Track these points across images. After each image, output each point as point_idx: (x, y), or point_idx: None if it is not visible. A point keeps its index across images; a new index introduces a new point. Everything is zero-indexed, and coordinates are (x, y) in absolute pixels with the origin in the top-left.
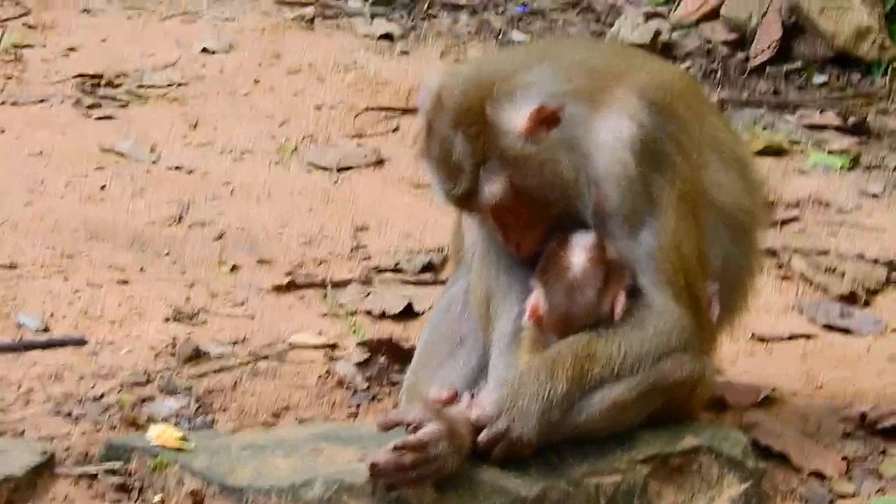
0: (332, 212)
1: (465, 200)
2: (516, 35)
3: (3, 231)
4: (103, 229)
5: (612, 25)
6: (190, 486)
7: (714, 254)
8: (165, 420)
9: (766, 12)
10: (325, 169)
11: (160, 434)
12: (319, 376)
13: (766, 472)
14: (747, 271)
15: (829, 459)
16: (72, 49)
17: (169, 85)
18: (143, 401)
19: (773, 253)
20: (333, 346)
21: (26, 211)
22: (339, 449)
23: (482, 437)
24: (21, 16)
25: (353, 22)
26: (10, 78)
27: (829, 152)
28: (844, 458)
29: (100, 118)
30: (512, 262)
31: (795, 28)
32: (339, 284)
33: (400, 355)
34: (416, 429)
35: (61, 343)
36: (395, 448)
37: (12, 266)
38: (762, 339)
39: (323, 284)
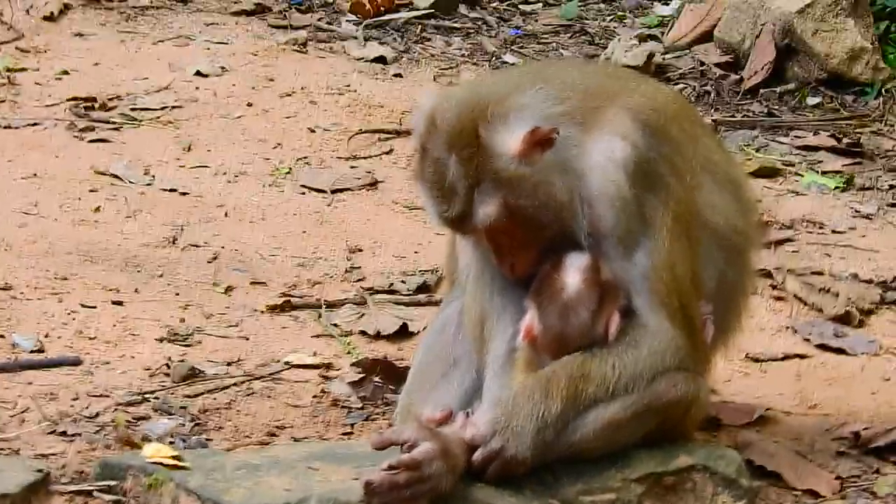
0: (326, 233)
1: (460, 222)
2: (509, 58)
3: None
4: (97, 251)
5: (605, 48)
6: None
7: (708, 274)
8: (160, 439)
9: (759, 34)
10: (318, 191)
11: (155, 453)
12: (314, 396)
13: (760, 491)
14: (741, 292)
15: (823, 478)
16: (65, 72)
17: (162, 108)
18: (138, 420)
19: (767, 273)
20: (328, 367)
21: (20, 233)
22: (333, 468)
23: (477, 456)
24: (14, 40)
25: (347, 45)
26: (3, 101)
27: (823, 173)
28: (838, 478)
29: (93, 141)
30: (506, 284)
31: (789, 50)
32: (334, 305)
33: (394, 375)
34: (410, 448)
35: (57, 363)
36: (390, 467)
37: (7, 287)
38: (756, 359)
39: (317, 305)
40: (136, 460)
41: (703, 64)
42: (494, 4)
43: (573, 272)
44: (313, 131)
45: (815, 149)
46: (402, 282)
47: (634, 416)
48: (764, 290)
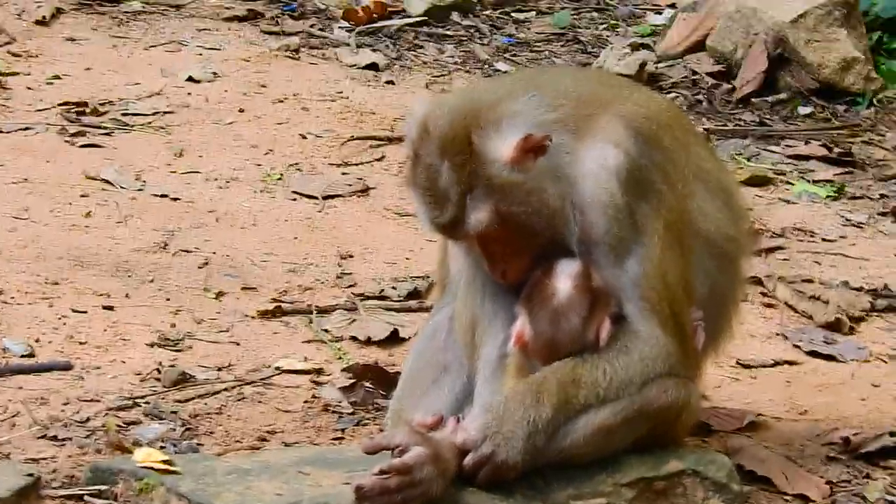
0: (317, 239)
1: (452, 228)
2: (502, 66)
3: None
4: (88, 256)
5: (598, 56)
6: None
7: (699, 281)
8: (151, 444)
9: (751, 44)
10: (310, 197)
11: (146, 457)
12: (305, 401)
13: (751, 496)
14: (732, 299)
15: (813, 483)
16: (57, 77)
17: (154, 113)
18: (129, 425)
19: (758, 281)
20: (319, 372)
21: (11, 238)
22: (324, 472)
23: (467, 460)
24: (6, 44)
25: (339, 52)
26: None
27: (814, 182)
28: (828, 482)
29: (84, 146)
30: (497, 290)
31: (781, 59)
32: (325, 311)
33: (385, 380)
34: (401, 452)
35: (47, 368)
36: (381, 471)
37: None
38: (747, 366)
39: (308, 311)
40: (126, 465)
41: (695, 73)
42: (487, 12)
43: (564, 278)
44: (305, 138)
45: (807, 158)
46: (393, 288)
47: (625, 421)
48: (755, 297)
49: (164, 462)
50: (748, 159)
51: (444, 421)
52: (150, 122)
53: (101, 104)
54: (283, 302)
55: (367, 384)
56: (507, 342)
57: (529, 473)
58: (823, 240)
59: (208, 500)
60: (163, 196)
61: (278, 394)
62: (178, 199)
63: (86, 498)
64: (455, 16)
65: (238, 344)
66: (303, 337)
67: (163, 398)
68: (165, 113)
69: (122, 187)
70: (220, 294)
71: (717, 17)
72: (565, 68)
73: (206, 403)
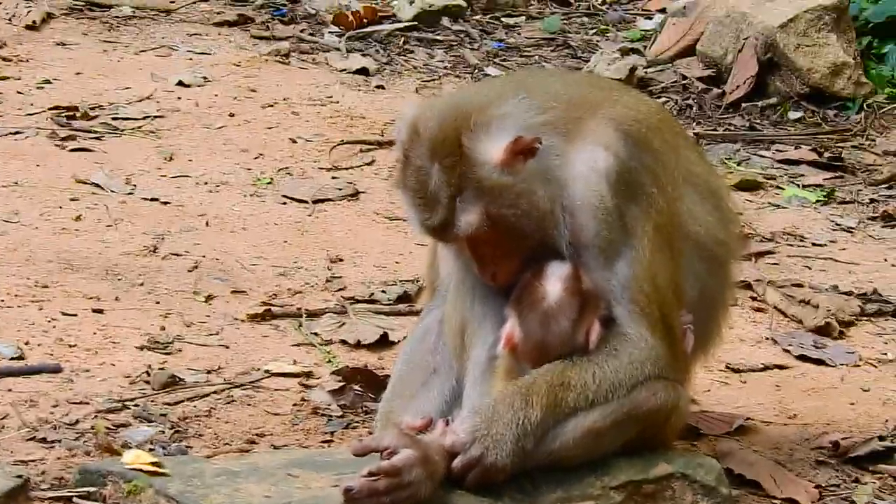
0: (307, 243)
1: (441, 231)
2: (492, 70)
3: None
4: (78, 259)
5: (588, 61)
6: None
7: (688, 284)
8: (140, 446)
9: (741, 48)
10: (300, 201)
11: (135, 459)
12: (294, 404)
13: (740, 500)
14: (721, 302)
15: (802, 487)
16: (47, 81)
17: (144, 118)
18: (118, 427)
19: (747, 285)
20: (308, 375)
21: (1, 241)
22: (313, 475)
23: (456, 463)
24: None
25: (329, 56)
26: None
27: (804, 187)
28: (817, 487)
29: (75, 150)
30: (487, 292)
31: (771, 64)
32: (314, 314)
33: (374, 383)
34: (390, 455)
35: (37, 370)
36: (370, 473)
37: None
38: (736, 370)
39: (298, 314)
40: (115, 467)
41: (685, 78)
42: (477, 17)
43: (554, 281)
44: (295, 142)
45: (797, 162)
46: (383, 291)
47: (614, 424)
48: (744, 301)
49: (153, 464)
50: (738, 164)
51: (434, 423)
52: (140, 127)
53: (91, 108)
54: (272, 305)
55: (357, 387)
56: (496, 345)
57: (518, 476)
58: (813, 244)
59: (197, 502)
60: (153, 200)
61: (267, 397)
62: (168, 202)
63: (74, 500)
64: (445, 21)
65: (227, 347)
66: (292, 340)
67: (152, 401)
68: (155, 117)
69: (111, 191)
70: (209, 297)
71: (706, 21)
72: (555, 71)
73: (195, 406)
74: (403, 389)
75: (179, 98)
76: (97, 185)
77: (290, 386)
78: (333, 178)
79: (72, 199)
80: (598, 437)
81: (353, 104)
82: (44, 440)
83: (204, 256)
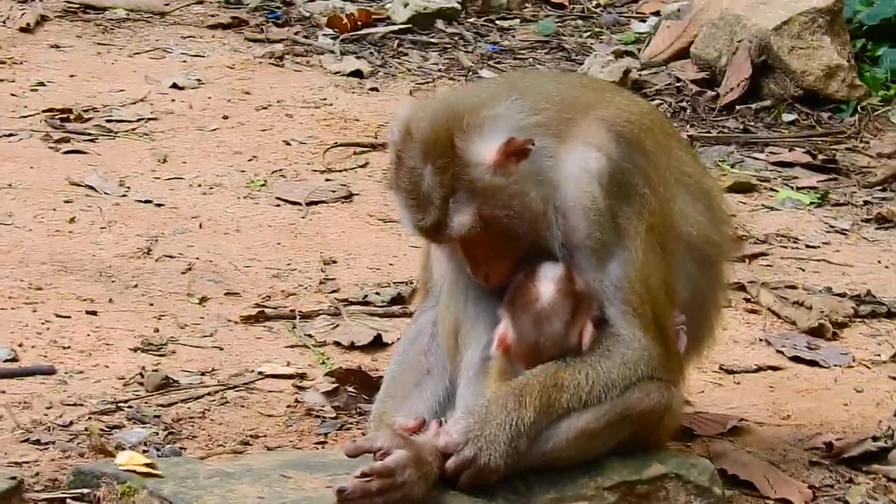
0: (301, 245)
1: (434, 232)
2: (486, 73)
3: None
4: (72, 262)
5: (582, 64)
6: None
7: (681, 285)
8: (134, 448)
9: (735, 51)
10: (293, 203)
11: (128, 461)
12: (288, 406)
13: (733, 500)
14: (714, 302)
15: (796, 488)
16: (41, 84)
17: (138, 120)
18: (112, 429)
19: (741, 287)
20: (302, 377)
21: None
22: (306, 476)
23: (449, 464)
24: None
25: (323, 59)
26: None
27: (798, 189)
28: (811, 487)
29: (68, 152)
30: (480, 293)
31: (765, 66)
32: (308, 316)
33: (368, 385)
34: (383, 455)
35: (31, 372)
36: (363, 474)
37: None
38: (730, 371)
39: (291, 316)
40: (109, 468)
41: (679, 80)
42: (472, 20)
43: (547, 282)
44: (289, 144)
45: (791, 165)
46: (377, 293)
47: (607, 425)
48: (738, 303)
49: (147, 465)
50: (732, 166)
51: (427, 424)
52: (134, 129)
53: (85, 111)
54: (266, 307)
55: (350, 389)
56: (489, 346)
57: (511, 477)
58: (807, 246)
59: (190, 503)
60: (146, 202)
61: (261, 398)
62: (162, 205)
63: (68, 501)
64: (439, 23)
65: (221, 349)
66: (286, 342)
67: (146, 402)
68: (149, 119)
69: (105, 193)
70: (203, 299)
71: (700, 24)
72: (548, 72)
73: (189, 408)
74: (397, 390)
75: (173, 100)
76: (91, 188)
77: (283, 387)
78: (327, 180)
79: (66, 202)
80: (591, 437)
81: (347, 106)
82: (38, 442)
83: (198, 258)
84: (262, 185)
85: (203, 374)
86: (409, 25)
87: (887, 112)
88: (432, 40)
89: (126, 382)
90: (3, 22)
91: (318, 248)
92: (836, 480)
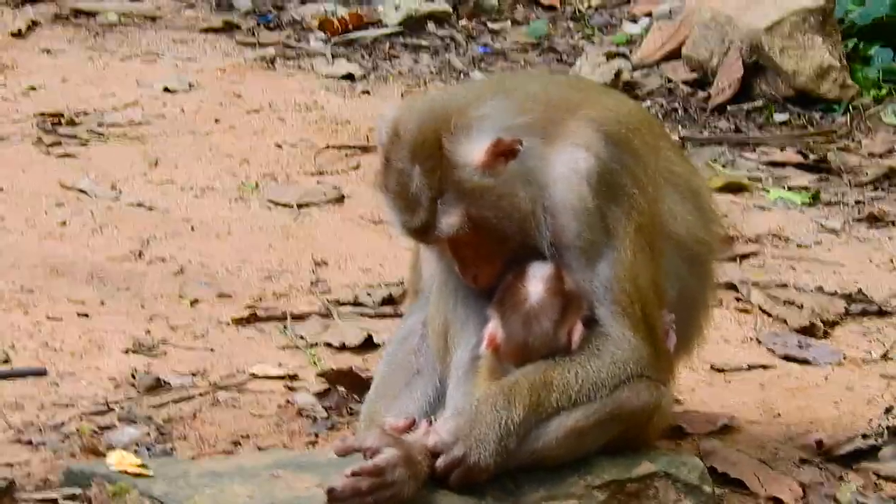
0: (292, 247)
1: (423, 233)
2: (477, 75)
3: None
4: (63, 265)
5: (573, 65)
6: None
7: (670, 284)
8: (125, 448)
9: (727, 51)
10: (285, 206)
11: (119, 461)
12: (279, 406)
13: (723, 498)
14: (703, 301)
15: (786, 485)
16: (33, 88)
17: (130, 124)
18: (103, 429)
19: (732, 286)
20: (293, 378)
21: None
22: (297, 476)
23: (439, 463)
24: None
25: (315, 62)
26: None
27: (790, 189)
28: (801, 485)
29: (60, 156)
30: (469, 293)
31: (757, 67)
32: (299, 317)
33: (359, 385)
34: (373, 455)
35: (22, 374)
36: (353, 473)
37: None
38: (721, 370)
39: (282, 317)
40: (100, 468)
41: (671, 81)
42: (463, 22)
43: (536, 282)
44: (280, 147)
45: (782, 165)
46: (368, 294)
47: (597, 424)
48: (729, 302)
49: (138, 466)
50: (724, 166)
51: (417, 424)
52: (125, 133)
53: (76, 115)
54: (257, 309)
55: (341, 389)
56: (479, 345)
57: (501, 476)
58: (798, 245)
59: (180, 502)
60: (138, 205)
61: (252, 399)
62: (154, 208)
63: (60, 501)
64: (431, 26)
65: (213, 350)
66: (277, 343)
67: (137, 403)
68: (141, 123)
69: (97, 197)
70: (194, 301)
71: (692, 25)
72: (535, 73)
73: (180, 408)
74: (387, 390)
75: (165, 104)
76: (82, 191)
77: (274, 388)
78: (318, 182)
79: (57, 205)
80: (580, 436)
81: (338, 109)
82: (29, 443)
83: (189, 261)
84: (254, 187)
85: (194, 375)
86: (401, 28)
87: (879, 112)
88: (423, 43)
89: (117, 384)
90: None
91: (309, 250)
92: (827, 478)
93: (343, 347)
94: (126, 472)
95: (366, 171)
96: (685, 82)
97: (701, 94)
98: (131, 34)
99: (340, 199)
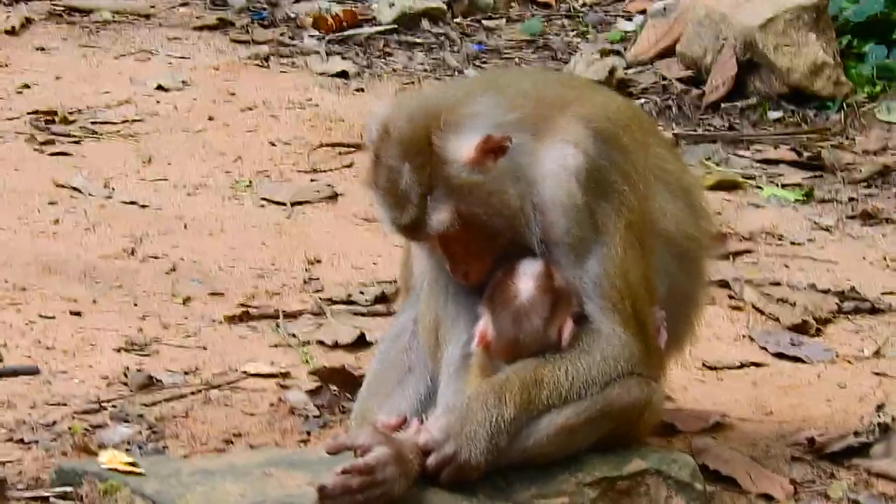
0: (285, 245)
1: (413, 230)
2: (472, 73)
3: None
4: (56, 262)
5: (568, 63)
6: None
7: (660, 281)
8: (117, 447)
9: (721, 49)
10: (278, 204)
11: (111, 459)
12: (271, 404)
13: (715, 496)
14: (694, 298)
15: (777, 483)
16: (26, 86)
17: (123, 121)
18: (95, 428)
19: (725, 284)
20: (285, 376)
21: None
22: (288, 474)
23: (430, 461)
24: None
25: (309, 60)
26: None
27: (783, 186)
28: (792, 482)
29: (53, 154)
30: (460, 290)
31: (751, 64)
32: (292, 315)
33: (351, 383)
34: (364, 453)
35: (14, 372)
36: (344, 471)
37: None
38: (713, 367)
39: (275, 315)
40: (91, 466)
41: (665, 79)
42: (458, 20)
43: (526, 279)
44: (274, 145)
45: (776, 162)
46: (361, 292)
47: (588, 421)
48: (722, 300)
49: (129, 464)
50: (717, 164)
51: (408, 422)
52: (118, 131)
53: (70, 113)
54: (250, 307)
55: (334, 387)
56: (470, 343)
57: (492, 473)
58: (792, 243)
59: (172, 501)
60: (131, 203)
61: (245, 397)
62: (147, 206)
63: (51, 500)
64: (425, 23)
65: (205, 348)
66: (269, 341)
67: (129, 402)
68: (134, 121)
69: (90, 194)
70: (187, 299)
71: (686, 22)
72: (526, 70)
73: (172, 407)
74: (378, 388)
75: (158, 102)
76: (76, 189)
77: (267, 386)
78: (312, 180)
79: (50, 203)
80: (571, 433)
81: (332, 107)
82: (21, 441)
83: (182, 259)
84: (247, 185)
85: (187, 373)
86: (395, 26)
87: (873, 109)
88: (418, 40)
89: (110, 382)
90: None
91: (302, 248)
92: (818, 475)
93: (336, 345)
94: (117, 471)
95: (359, 169)
96: (679, 80)
97: (695, 91)
98: (125, 32)
99: (334, 197)
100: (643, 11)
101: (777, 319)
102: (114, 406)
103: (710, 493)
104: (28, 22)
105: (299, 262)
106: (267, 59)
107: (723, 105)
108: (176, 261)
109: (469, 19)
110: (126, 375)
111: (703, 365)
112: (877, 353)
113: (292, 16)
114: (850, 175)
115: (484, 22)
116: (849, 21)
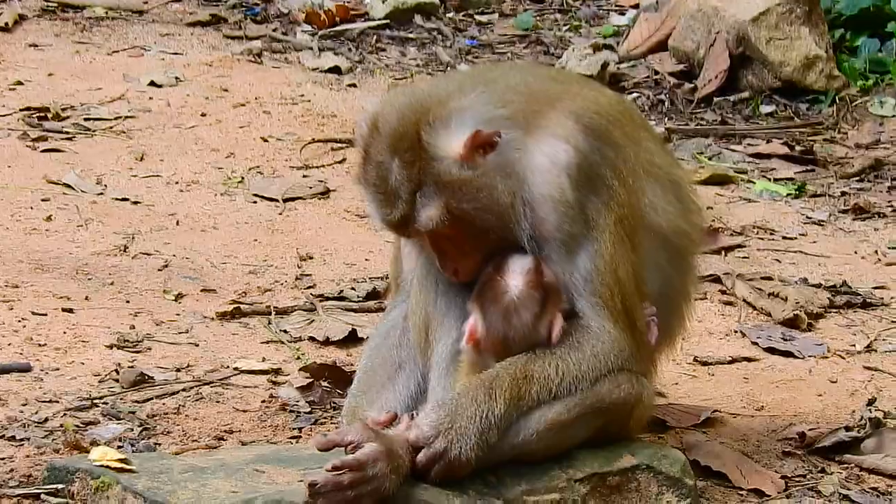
0: (278, 241)
1: (402, 226)
2: (465, 68)
3: None
4: (48, 259)
5: (560, 57)
6: None
7: (651, 276)
8: (109, 443)
9: (713, 43)
10: (270, 200)
11: (102, 456)
12: (263, 401)
13: (706, 491)
14: (684, 293)
15: (768, 478)
16: (19, 83)
17: (116, 118)
18: (87, 425)
19: (716, 279)
20: (277, 372)
21: None
22: (279, 470)
23: (420, 457)
24: None
25: (301, 55)
26: None
27: (776, 180)
28: (783, 477)
29: (46, 151)
30: (450, 287)
31: (743, 58)
32: (284, 312)
33: (342, 380)
34: (354, 449)
35: (6, 369)
36: (334, 467)
37: None
38: (705, 363)
39: (267, 312)
40: (83, 464)
41: (657, 73)
42: (450, 15)
43: (516, 275)
44: (266, 141)
45: (768, 156)
46: (352, 289)
47: (578, 417)
48: (713, 295)
49: (121, 461)
50: (710, 158)
51: (398, 418)
52: (111, 127)
53: (63, 109)
54: (242, 303)
55: (325, 383)
56: (460, 339)
57: (482, 470)
58: (784, 237)
59: (164, 497)
60: (124, 200)
61: (236, 394)
62: (139, 202)
63: (43, 497)
64: (418, 18)
65: (197, 345)
66: (261, 337)
67: (121, 399)
68: (127, 117)
69: (83, 191)
70: (179, 296)
71: (679, 16)
72: (517, 65)
73: (164, 403)
74: (369, 385)
75: (151, 98)
76: (68, 186)
77: (258, 383)
78: (304, 176)
79: (43, 200)
80: (561, 429)
81: (325, 103)
82: (13, 438)
83: (174, 255)
84: (240, 181)
85: (178, 370)
86: (387, 21)
87: (865, 102)
88: (410, 35)
89: (101, 379)
90: None
91: (294, 245)
92: (809, 470)
93: (327, 342)
94: (109, 468)
95: (351, 165)
96: (672, 74)
97: (687, 85)
98: (118, 28)
99: (326, 193)
100: (635, 6)
101: (769, 314)
102: (105, 403)
103: (701, 489)
104: (21, 18)
105: (291, 259)
106: (260, 54)
107: (715, 99)
108: (168, 257)
109: (461, 14)
110: (118, 372)
111: (695, 360)
112: (868, 348)
113: (285, 11)
114: (843, 169)
115: (476, 17)
116: (841, 14)
